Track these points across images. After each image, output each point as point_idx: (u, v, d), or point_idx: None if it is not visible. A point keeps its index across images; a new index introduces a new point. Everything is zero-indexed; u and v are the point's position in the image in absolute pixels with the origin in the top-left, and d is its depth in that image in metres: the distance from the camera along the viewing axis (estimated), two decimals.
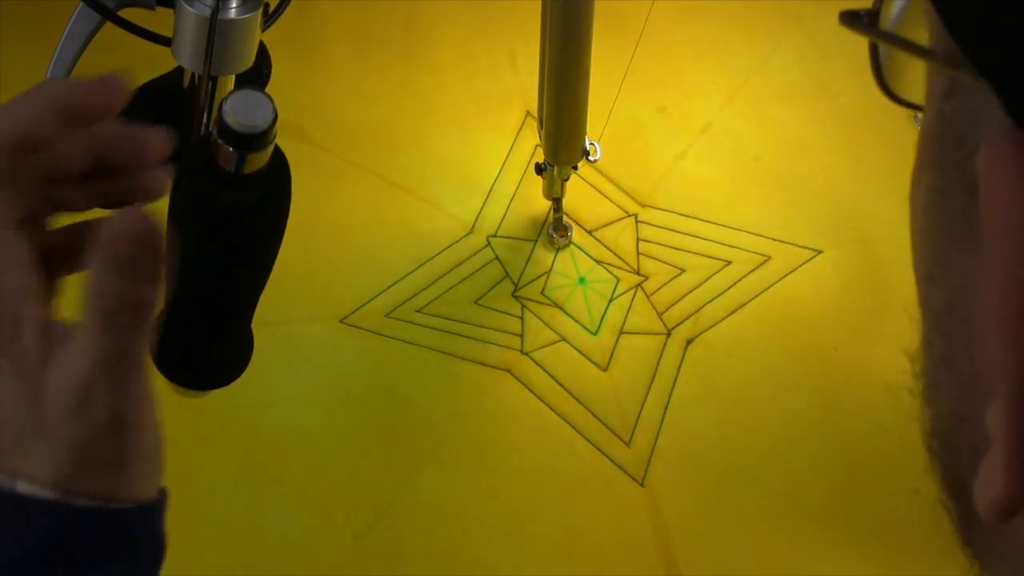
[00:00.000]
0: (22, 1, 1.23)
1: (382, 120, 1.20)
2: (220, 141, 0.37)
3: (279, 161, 0.39)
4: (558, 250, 1.11)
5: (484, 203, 1.14)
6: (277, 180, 0.40)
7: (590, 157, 1.00)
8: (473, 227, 1.13)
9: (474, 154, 1.18)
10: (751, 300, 1.09)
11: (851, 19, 0.23)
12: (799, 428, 1.01)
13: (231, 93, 0.37)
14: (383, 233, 1.11)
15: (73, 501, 0.38)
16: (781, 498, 0.98)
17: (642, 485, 0.99)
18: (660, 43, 1.28)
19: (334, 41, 1.25)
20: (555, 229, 1.11)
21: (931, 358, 0.24)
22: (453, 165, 1.17)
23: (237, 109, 0.37)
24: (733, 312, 1.09)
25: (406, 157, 1.17)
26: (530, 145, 1.19)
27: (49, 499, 0.38)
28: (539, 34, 0.91)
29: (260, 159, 0.38)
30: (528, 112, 1.21)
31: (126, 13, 0.65)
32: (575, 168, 1.03)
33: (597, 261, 1.11)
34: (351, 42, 1.26)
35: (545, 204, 1.12)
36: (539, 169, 1.05)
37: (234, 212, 0.39)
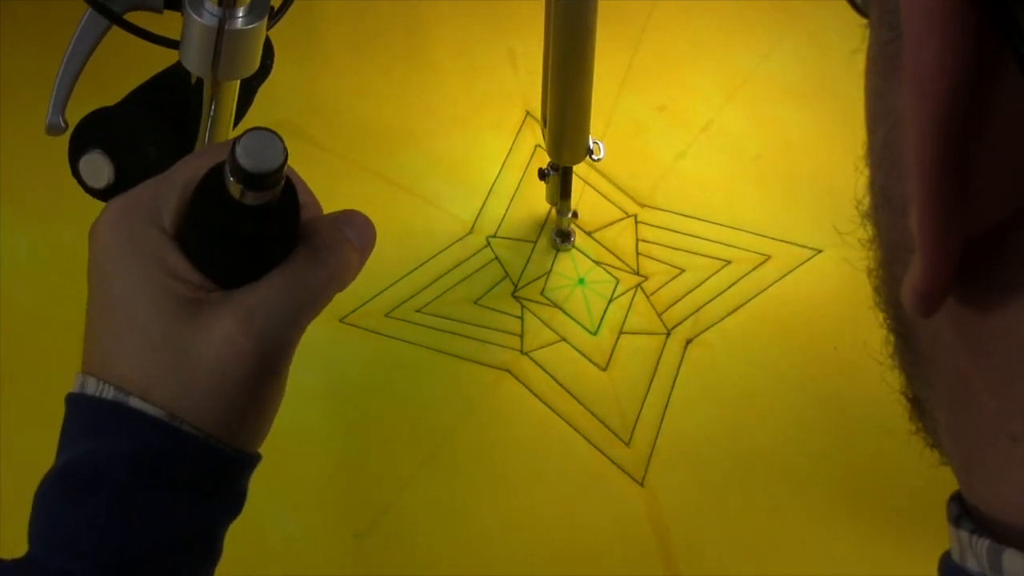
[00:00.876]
0: (22, 1, 1.23)
1: (382, 119, 1.20)
2: (232, 179, 0.40)
3: (288, 194, 0.42)
4: (558, 251, 1.11)
5: (484, 203, 1.14)
6: (285, 212, 0.43)
7: (594, 156, 1.00)
8: (473, 227, 1.13)
9: (474, 154, 1.18)
10: (751, 300, 1.09)
11: None
12: (799, 428, 1.01)
13: (244, 133, 0.39)
14: (382, 232, 1.10)
15: (179, 425, 0.42)
16: (781, 498, 0.98)
17: (642, 485, 0.99)
18: (660, 43, 1.28)
19: (334, 41, 1.25)
20: (558, 234, 1.11)
21: (873, 197, 0.25)
22: (453, 165, 1.17)
23: (249, 150, 0.39)
24: (733, 312, 1.09)
25: (406, 156, 1.17)
26: (530, 145, 1.19)
27: (158, 417, 0.42)
28: (541, 34, 0.91)
29: (270, 195, 0.41)
30: (528, 112, 1.21)
31: (133, 16, 0.66)
32: (577, 175, 1.02)
33: (597, 262, 1.11)
34: (351, 42, 1.26)
35: (545, 204, 1.12)
36: (542, 175, 1.04)
37: (243, 244, 0.42)
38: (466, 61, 1.25)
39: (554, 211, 1.11)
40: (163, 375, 0.42)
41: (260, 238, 0.42)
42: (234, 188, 0.40)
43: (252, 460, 0.46)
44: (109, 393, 0.42)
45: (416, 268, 1.09)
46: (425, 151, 1.18)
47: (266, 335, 0.42)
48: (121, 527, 0.41)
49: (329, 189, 1.12)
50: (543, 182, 1.06)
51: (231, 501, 0.45)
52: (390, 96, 1.21)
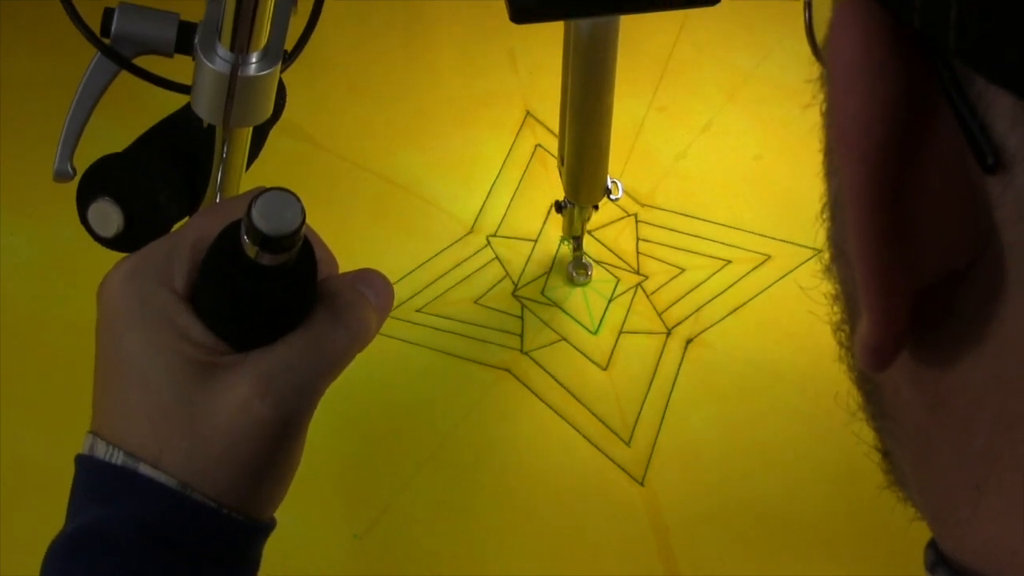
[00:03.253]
0: (22, 1, 1.23)
1: (381, 119, 1.20)
2: (247, 240, 0.39)
3: (306, 254, 0.41)
4: (576, 286, 1.10)
5: (484, 203, 1.14)
6: (303, 272, 0.42)
7: (611, 196, 0.98)
8: (473, 227, 1.13)
9: (474, 154, 1.18)
10: (751, 299, 1.09)
11: None
12: (799, 427, 1.01)
13: (261, 193, 0.38)
14: (382, 232, 1.11)
15: (190, 494, 0.41)
16: (781, 498, 0.98)
17: (642, 485, 0.99)
18: (660, 43, 1.28)
19: (334, 41, 1.25)
20: (575, 268, 1.10)
21: (831, 250, 0.25)
22: (453, 164, 1.17)
23: (266, 212, 0.38)
24: (733, 311, 1.09)
25: (405, 156, 1.17)
26: (530, 145, 1.19)
27: (168, 486, 0.41)
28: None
29: (287, 256, 0.40)
30: (528, 112, 1.21)
31: (143, 61, 0.64)
32: (596, 207, 1.00)
33: (597, 261, 1.11)
34: (351, 42, 1.26)
35: (545, 205, 1.12)
36: (559, 207, 1.02)
37: (259, 306, 0.41)
38: (466, 61, 1.25)
39: (566, 246, 1.10)
40: (175, 442, 0.41)
41: (277, 299, 0.41)
42: (250, 249, 0.39)
43: (266, 527, 0.45)
44: (119, 459, 0.41)
45: (416, 268, 1.09)
46: (425, 151, 1.18)
47: (283, 399, 0.41)
48: None
49: (329, 189, 1.13)
50: (560, 215, 1.04)
51: (244, 568, 0.44)
52: (390, 96, 1.21)
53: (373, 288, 0.45)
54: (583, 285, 1.10)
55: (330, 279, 0.45)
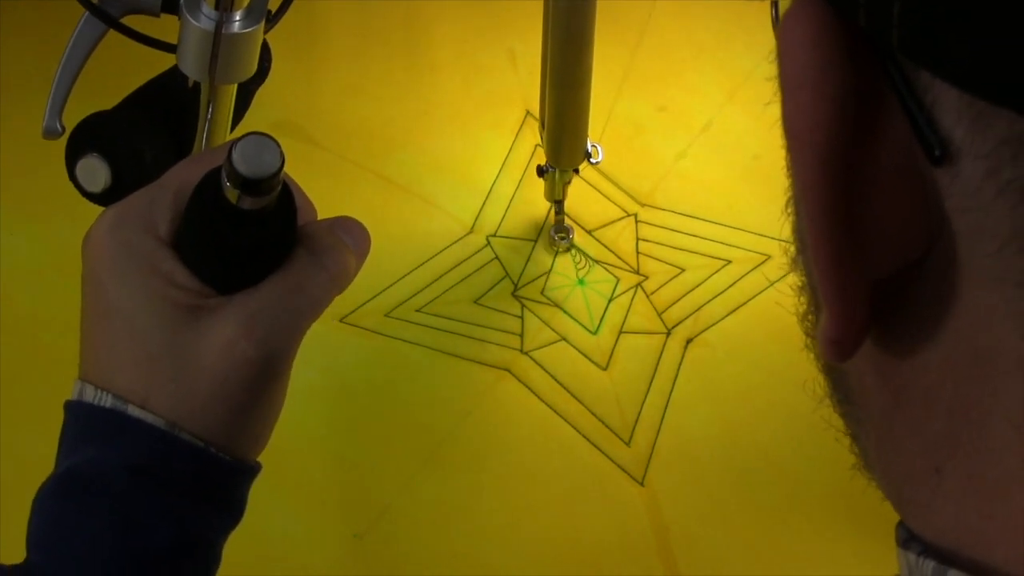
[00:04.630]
0: (22, 1, 1.23)
1: (381, 119, 1.20)
2: (228, 184, 0.39)
3: (285, 198, 0.42)
4: (558, 252, 1.11)
5: (484, 203, 1.14)
6: (283, 217, 0.42)
7: (592, 159, 1.00)
8: (473, 227, 1.13)
9: (474, 154, 1.18)
10: (751, 299, 1.09)
11: None
12: (799, 427, 1.01)
13: (240, 138, 0.39)
14: (382, 232, 1.11)
15: (178, 434, 0.42)
16: (781, 498, 0.98)
17: (642, 485, 0.99)
18: (660, 43, 1.28)
19: (334, 40, 1.25)
20: (556, 231, 1.11)
21: (796, 243, 0.25)
22: (453, 164, 1.17)
23: (246, 155, 0.39)
24: (733, 311, 1.09)
25: (405, 156, 1.17)
26: (530, 145, 1.19)
27: (156, 426, 0.41)
28: (539, 34, 0.91)
29: (267, 200, 0.40)
30: (528, 112, 1.21)
31: (130, 20, 0.65)
32: (576, 171, 1.02)
33: (596, 261, 1.11)
34: (351, 41, 1.26)
35: (545, 204, 1.12)
36: (540, 171, 1.04)
37: (241, 249, 0.42)
38: (466, 61, 1.25)
39: (552, 211, 1.11)
40: (162, 383, 0.42)
41: (258, 243, 0.42)
42: (231, 193, 0.40)
43: (252, 469, 0.46)
44: (107, 401, 0.42)
45: (416, 268, 1.09)
46: (425, 151, 1.18)
47: (268, 339, 0.42)
48: (120, 533, 0.41)
49: (329, 189, 1.13)
50: (541, 179, 1.06)
51: (231, 510, 0.45)
52: (390, 96, 1.21)
53: (351, 232, 0.46)
54: (565, 252, 1.10)
55: (309, 224, 0.46)
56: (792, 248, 0.26)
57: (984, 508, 0.22)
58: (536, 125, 1.20)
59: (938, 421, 0.23)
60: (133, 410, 0.41)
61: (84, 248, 0.44)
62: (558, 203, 1.09)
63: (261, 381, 0.43)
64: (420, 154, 1.17)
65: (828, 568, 0.95)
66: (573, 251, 1.12)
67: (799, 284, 0.26)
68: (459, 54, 1.25)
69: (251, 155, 0.39)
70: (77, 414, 0.43)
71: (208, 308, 0.42)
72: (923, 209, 0.21)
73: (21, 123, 1.15)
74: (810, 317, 0.26)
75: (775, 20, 0.24)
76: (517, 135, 1.19)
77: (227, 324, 0.41)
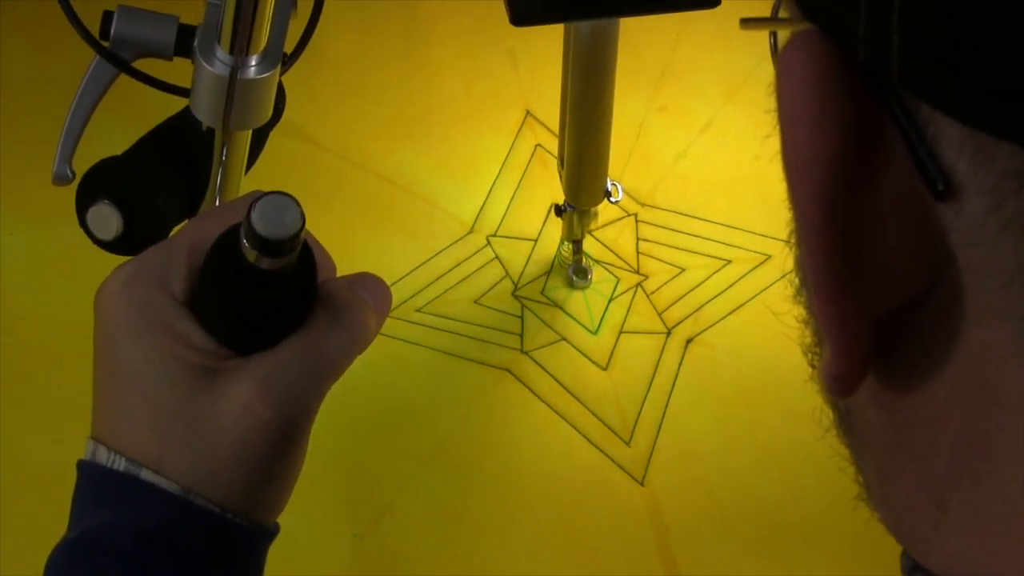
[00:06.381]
0: (22, 1, 1.23)
1: (382, 119, 1.20)
2: (247, 244, 0.38)
3: (305, 258, 0.41)
4: (574, 290, 1.10)
5: (484, 203, 1.14)
6: (302, 277, 0.41)
7: (611, 198, 0.98)
8: (473, 227, 1.13)
9: (474, 154, 1.18)
10: (751, 299, 1.09)
11: (749, 22, 0.24)
12: (799, 427, 1.01)
13: (260, 198, 0.38)
14: (382, 232, 1.11)
15: (193, 499, 0.41)
16: (781, 498, 0.98)
17: (642, 485, 0.99)
18: (660, 43, 1.28)
19: (334, 41, 1.25)
20: (575, 271, 1.09)
21: (799, 275, 0.25)
22: (453, 165, 1.17)
23: (265, 215, 0.38)
24: (733, 311, 1.09)
25: (405, 156, 1.17)
26: (530, 145, 1.19)
27: (171, 492, 0.40)
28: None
29: (286, 260, 0.39)
30: (528, 112, 1.21)
31: (142, 64, 0.64)
32: (596, 213, 1.00)
33: (597, 261, 1.11)
34: (351, 41, 1.26)
35: (545, 204, 1.12)
36: (559, 211, 1.02)
37: (259, 310, 0.41)
38: (466, 61, 1.25)
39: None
40: (177, 447, 0.41)
41: (277, 304, 0.41)
42: (250, 254, 0.39)
43: (270, 532, 0.45)
44: (121, 465, 0.41)
45: (416, 268, 1.09)
46: (425, 151, 1.18)
47: (286, 402, 0.41)
48: None
49: (329, 189, 1.13)
50: (559, 218, 1.04)
51: (247, 574, 0.44)
52: (390, 96, 1.21)
53: (371, 291, 0.45)
54: (583, 289, 1.09)
55: (328, 282, 0.44)
56: (796, 280, 0.25)
57: (989, 543, 0.22)
58: (537, 125, 1.20)
59: (942, 456, 0.22)
60: (147, 474, 0.40)
61: (97, 305, 0.43)
62: (576, 243, 1.07)
63: (279, 444, 0.42)
64: (420, 154, 1.17)
65: (828, 568, 0.95)
66: (594, 265, 1.10)
67: (803, 318, 0.26)
68: (459, 54, 1.25)
69: (271, 215, 0.38)
70: (91, 475, 0.42)
71: (224, 370, 0.41)
72: (927, 244, 0.20)
73: (21, 123, 1.15)
74: (815, 350, 0.26)
75: (773, 50, 0.24)
76: (517, 135, 1.19)
77: (244, 387, 0.40)
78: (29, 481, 0.92)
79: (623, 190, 0.99)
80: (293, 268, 0.40)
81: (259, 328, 0.42)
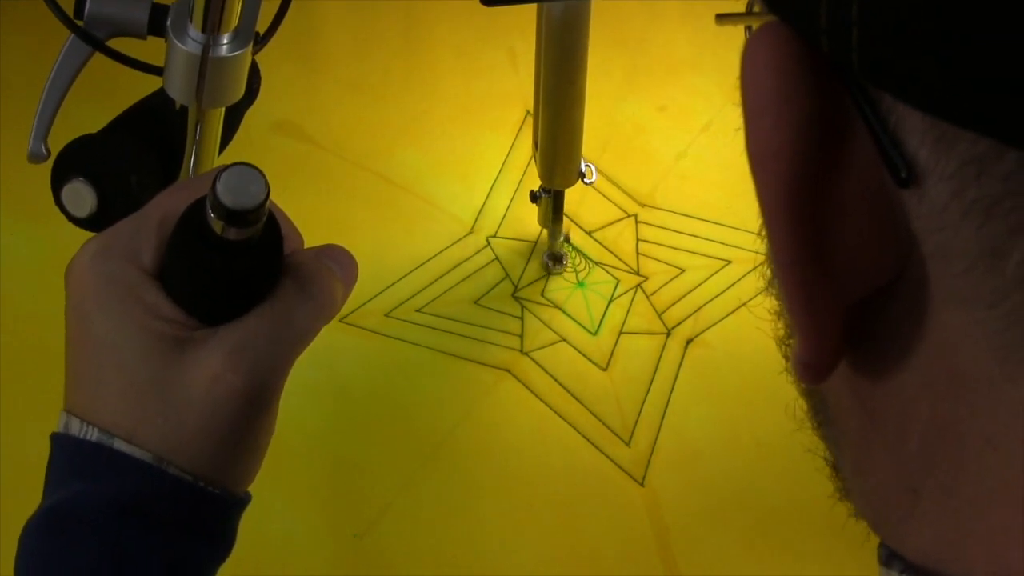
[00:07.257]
0: (22, 1, 1.23)
1: (381, 119, 1.20)
2: (213, 215, 0.39)
3: (271, 228, 0.42)
4: (550, 275, 1.10)
5: (484, 203, 1.14)
6: (269, 247, 0.42)
7: (586, 179, 0.99)
8: (473, 227, 1.13)
9: (474, 154, 1.18)
10: (751, 299, 1.09)
11: (724, 17, 0.24)
12: (799, 427, 1.01)
13: (226, 168, 0.39)
14: (382, 232, 1.11)
15: (166, 468, 0.41)
16: (782, 498, 0.98)
17: (642, 485, 0.99)
18: (660, 43, 1.28)
19: (333, 40, 1.25)
20: (550, 257, 1.10)
21: (770, 267, 0.25)
22: (453, 164, 1.17)
23: (231, 186, 0.38)
24: (733, 311, 1.09)
25: (405, 156, 1.17)
26: (530, 145, 1.18)
27: (144, 460, 0.41)
28: (535, 45, 0.91)
29: (253, 231, 0.40)
30: (528, 112, 1.21)
31: (117, 43, 0.65)
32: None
33: (596, 262, 1.11)
34: (351, 42, 1.26)
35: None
36: (534, 197, 1.03)
37: (227, 280, 0.42)
38: (466, 61, 1.25)
39: (545, 233, 1.10)
40: (149, 417, 0.41)
41: (244, 274, 0.42)
42: (216, 225, 0.39)
43: (242, 500, 0.45)
44: (93, 435, 0.41)
45: (416, 268, 1.09)
46: (425, 151, 1.18)
47: (255, 370, 0.42)
48: (109, 569, 0.40)
49: (329, 189, 1.13)
50: (534, 204, 1.05)
51: (221, 541, 0.44)
52: (390, 96, 1.21)
53: (337, 261, 0.46)
54: (557, 274, 1.10)
55: (296, 253, 0.45)
56: (768, 272, 0.25)
57: (963, 526, 0.22)
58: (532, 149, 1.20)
59: (914, 441, 0.23)
60: (120, 444, 0.41)
61: (67, 279, 0.43)
62: (552, 228, 1.07)
63: (249, 413, 0.42)
64: (420, 154, 1.17)
65: (828, 568, 0.95)
66: (572, 253, 1.11)
67: (776, 309, 0.26)
68: (459, 54, 1.25)
69: (236, 186, 0.38)
70: (63, 447, 0.43)
71: (193, 340, 0.41)
72: (892, 232, 0.21)
73: (21, 123, 1.15)
74: (788, 341, 0.26)
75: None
76: (517, 135, 1.19)
77: (213, 356, 0.41)
78: (29, 481, 0.91)
79: (597, 171, 1.00)
80: (259, 238, 0.41)
81: (227, 298, 0.42)
